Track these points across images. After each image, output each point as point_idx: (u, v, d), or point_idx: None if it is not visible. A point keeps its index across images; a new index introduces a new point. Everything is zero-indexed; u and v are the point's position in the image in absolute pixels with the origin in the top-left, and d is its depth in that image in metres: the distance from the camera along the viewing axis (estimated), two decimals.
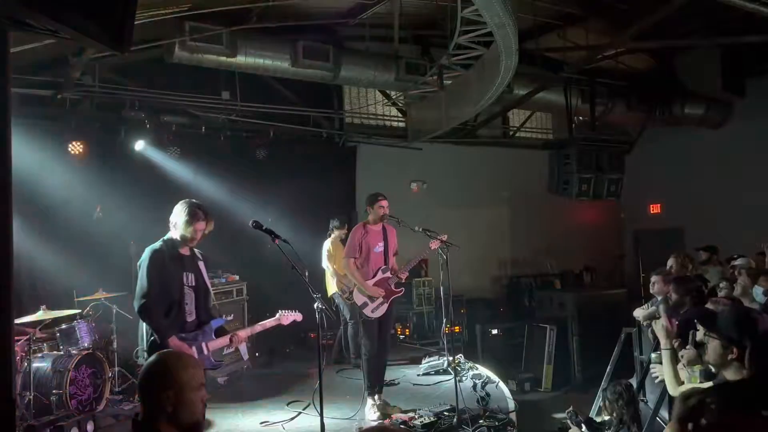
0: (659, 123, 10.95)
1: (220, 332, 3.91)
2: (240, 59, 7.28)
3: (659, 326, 3.88)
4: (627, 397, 3.44)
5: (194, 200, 3.92)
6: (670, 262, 6.31)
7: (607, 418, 3.54)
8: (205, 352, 3.77)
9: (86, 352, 5.59)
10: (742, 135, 10.53)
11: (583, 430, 3.51)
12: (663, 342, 3.79)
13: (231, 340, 3.91)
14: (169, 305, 3.72)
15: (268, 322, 4.17)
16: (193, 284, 3.87)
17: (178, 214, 3.83)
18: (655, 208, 12.47)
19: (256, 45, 7.35)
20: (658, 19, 7.12)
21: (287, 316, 4.17)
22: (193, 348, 3.70)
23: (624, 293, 9.81)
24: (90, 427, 5.09)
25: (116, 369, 6.23)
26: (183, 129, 8.14)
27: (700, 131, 11.01)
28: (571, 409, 3.76)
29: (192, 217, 3.79)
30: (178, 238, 3.84)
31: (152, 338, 3.64)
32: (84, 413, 5.23)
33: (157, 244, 3.83)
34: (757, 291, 5.14)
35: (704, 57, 10.09)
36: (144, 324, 3.70)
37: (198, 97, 8.13)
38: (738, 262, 6.44)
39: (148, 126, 7.72)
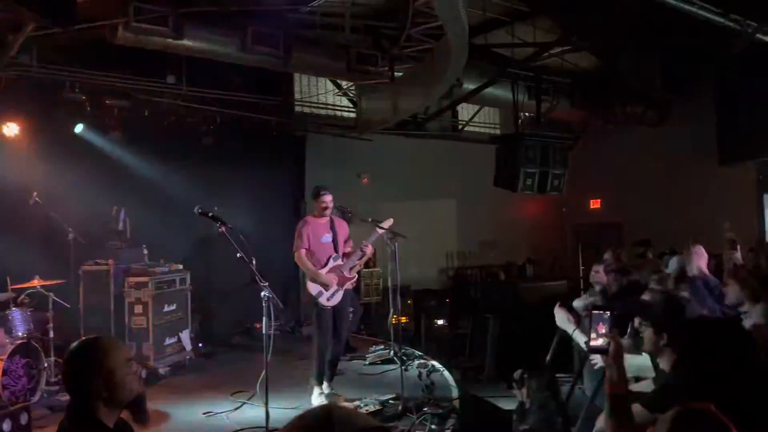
0: (601, 120, 11.29)
1: None
2: (186, 43, 7.06)
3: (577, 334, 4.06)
4: (552, 389, 3.57)
5: None
6: (606, 255, 6.59)
7: (528, 404, 3.66)
8: None
9: (20, 341, 5.39)
10: (678, 134, 10.98)
11: (530, 389, 3.61)
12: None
13: None
14: None
15: None
16: None
17: None
18: (595, 204, 12.89)
19: (204, 29, 7.14)
20: (603, 18, 7.34)
21: None
22: None
23: (564, 285, 10.12)
24: (24, 419, 4.91)
25: (52, 359, 6.01)
26: (126, 113, 7.89)
27: (640, 130, 11.42)
28: (520, 371, 3.86)
29: None
30: None
31: None
32: (17, 405, 5.03)
33: None
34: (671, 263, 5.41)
35: (645, 57, 10.47)
36: None
37: (142, 81, 7.88)
38: (672, 261, 6.74)
39: (88, 109, 7.45)
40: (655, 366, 3.27)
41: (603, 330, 1.97)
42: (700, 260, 5.13)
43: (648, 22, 8.30)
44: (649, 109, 11.04)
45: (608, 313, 1.99)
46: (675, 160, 10.95)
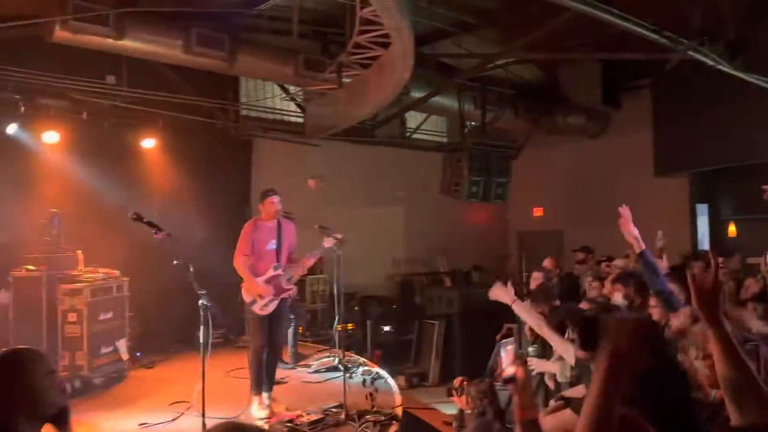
0: (544, 131, 11.60)
1: None
2: (127, 43, 6.90)
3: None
4: (491, 396, 3.62)
5: None
6: (546, 263, 6.78)
7: (468, 411, 3.70)
8: None
9: None
10: (616, 145, 11.39)
11: (469, 396, 3.65)
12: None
13: None
14: None
15: None
16: None
17: None
18: (537, 211, 13.20)
19: (146, 29, 6.98)
20: (546, 32, 7.54)
21: None
22: None
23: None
24: None
25: None
26: (62, 114, 7.61)
27: (581, 140, 11.78)
28: (459, 379, 3.89)
29: None
30: None
31: None
32: None
33: None
34: (616, 296, 5.60)
35: (586, 70, 10.80)
36: None
37: (80, 81, 7.61)
38: (617, 262, 6.96)
39: (22, 109, 7.15)
40: (588, 371, 3.36)
41: (512, 357, 1.96)
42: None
43: (589, 37, 8.58)
44: (589, 120, 11.40)
45: (511, 339, 1.96)
46: (613, 170, 11.34)
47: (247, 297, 5.42)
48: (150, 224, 3.67)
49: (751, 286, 5.17)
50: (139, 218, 3.68)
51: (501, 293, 4.07)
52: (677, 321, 3.19)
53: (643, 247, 3.82)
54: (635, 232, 3.77)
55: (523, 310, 3.93)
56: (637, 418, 1.76)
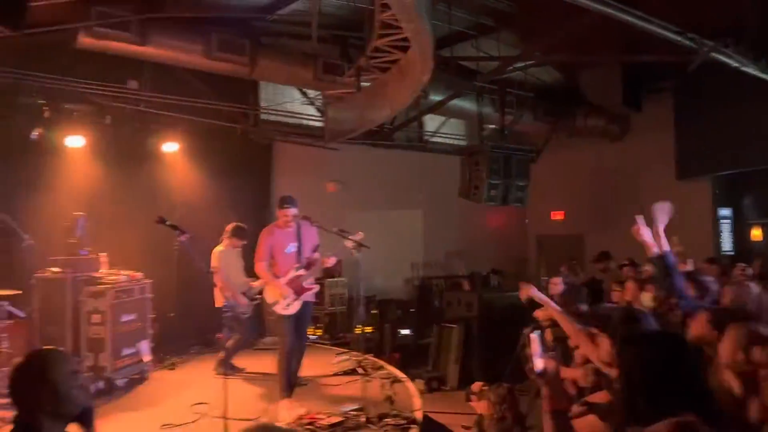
0: (563, 134, 11.52)
1: None
2: (150, 48, 7.00)
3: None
4: (510, 401, 3.60)
5: None
6: (563, 268, 6.76)
7: (487, 416, 3.69)
8: None
9: None
10: (637, 149, 11.27)
11: (489, 401, 3.65)
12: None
13: None
14: None
15: None
16: None
17: None
18: (557, 215, 13.10)
19: (168, 35, 7.09)
20: (565, 34, 7.49)
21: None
22: None
23: None
24: None
25: (5, 370, 5.81)
26: (86, 118, 7.72)
27: (601, 143, 11.68)
28: (479, 384, 3.88)
29: None
30: None
31: None
32: None
33: None
34: (645, 297, 5.55)
35: (606, 72, 10.72)
36: None
37: (103, 86, 7.73)
38: (647, 268, 6.90)
39: (47, 114, 7.27)
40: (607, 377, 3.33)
41: (540, 348, 1.94)
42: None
43: (609, 39, 8.51)
44: (610, 123, 11.30)
45: (538, 332, 1.91)
46: (633, 173, 11.21)
47: (269, 298, 5.49)
48: (174, 227, 3.71)
49: None
50: (162, 221, 3.73)
51: (535, 293, 4.01)
52: (696, 328, 3.14)
53: (656, 252, 3.77)
54: (646, 237, 3.77)
55: (561, 316, 3.88)
56: (696, 423, 1.74)
